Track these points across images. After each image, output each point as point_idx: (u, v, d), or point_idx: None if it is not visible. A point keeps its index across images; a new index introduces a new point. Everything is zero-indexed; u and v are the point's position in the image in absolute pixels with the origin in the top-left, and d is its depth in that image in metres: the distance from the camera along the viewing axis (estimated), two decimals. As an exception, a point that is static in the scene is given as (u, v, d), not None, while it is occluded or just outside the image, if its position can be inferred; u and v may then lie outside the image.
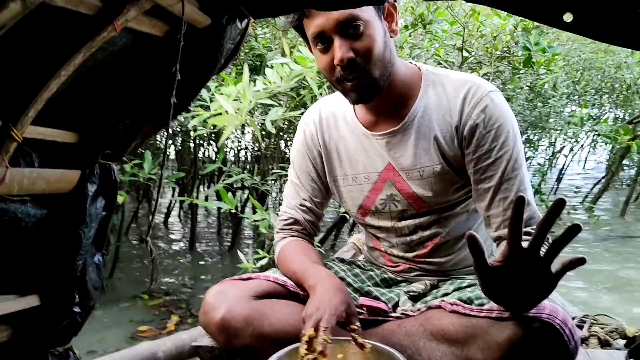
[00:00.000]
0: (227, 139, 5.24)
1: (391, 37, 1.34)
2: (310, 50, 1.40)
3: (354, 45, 1.25)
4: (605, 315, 1.86)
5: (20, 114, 0.79)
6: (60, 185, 0.95)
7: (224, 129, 2.42)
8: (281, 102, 2.75)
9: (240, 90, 2.28)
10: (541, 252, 0.95)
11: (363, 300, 1.38)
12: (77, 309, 0.95)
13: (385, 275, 1.52)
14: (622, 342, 1.74)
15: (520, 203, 0.90)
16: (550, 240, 0.94)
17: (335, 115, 1.50)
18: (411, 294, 1.41)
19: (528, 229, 1.22)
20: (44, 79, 0.80)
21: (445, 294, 1.35)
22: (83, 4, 0.75)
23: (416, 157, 1.37)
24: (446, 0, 2.99)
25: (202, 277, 4.57)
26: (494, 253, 1.50)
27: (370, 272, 1.54)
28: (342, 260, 1.61)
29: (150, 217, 5.69)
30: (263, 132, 3.35)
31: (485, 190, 1.31)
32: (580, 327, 1.78)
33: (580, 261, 0.88)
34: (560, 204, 0.88)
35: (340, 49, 1.24)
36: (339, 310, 1.20)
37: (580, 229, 0.87)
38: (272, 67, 2.47)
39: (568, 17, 0.98)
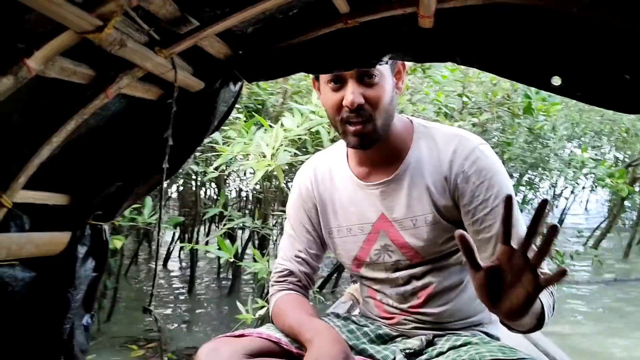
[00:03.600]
0: (227, 180, 5.26)
1: (397, 93, 1.39)
2: (314, 86, 1.45)
3: (365, 93, 1.29)
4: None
5: (11, 180, 0.80)
6: (49, 248, 0.95)
7: (255, 172, 2.49)
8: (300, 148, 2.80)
9: (272, 135, 2.36)
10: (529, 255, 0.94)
11: (358, 359, 1.36)
12: (63, 375, 0.92)
13: (381, 331, 1.50)
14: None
15: (508, 202, 0.91)
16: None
17: (330, 168, 1.52)
18: (407, 351, 1.39)
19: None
20: (36, 146, 0.81)
21: (440, 353, 1.33)
22: (76, 74, 0.77)
23: (409, 207, 1.38)
24: (439, 62, 3.05)
25: (200, 323, 4.51)
26: None
27: (366, 328, 1.52)
28: (337, 316, 1.59)
29: (151, 289, 5.68)
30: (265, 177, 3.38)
31: (486, 240, 1.31)
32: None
33: (562, 273, 0.88)
34: (543, 204, 0.89)
35: (352, 93, 1.28)
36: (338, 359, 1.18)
37: (558, 229, 0.89)
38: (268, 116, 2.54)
39: (556, 81, 0.99)
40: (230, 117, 2.88)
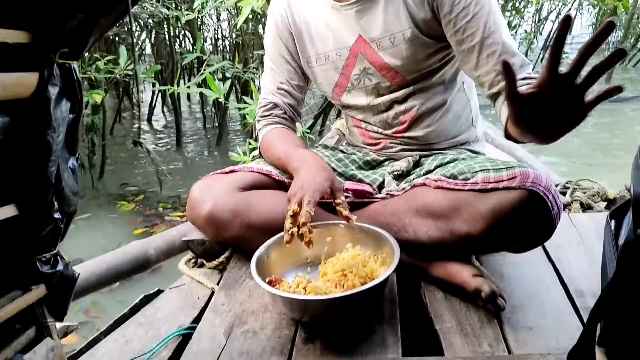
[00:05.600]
0: (201, 26, 5.02)
1: None
2: None
3: None
4: (588, 180, 1.89)
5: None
6: (18, 90, 0.90)
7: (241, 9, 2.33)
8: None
9: None
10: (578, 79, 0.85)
11: (348, 184, 1.39)
12: (57, 215, 0.93)
13: (368, 157, 1.52)
14: (603, 204, 1.78)
15: (567, 22, 0.79)
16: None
17: None
18: (395, 173, 1.42)
19: (524, 74, 1.22)
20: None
21: (428, 171, 1.35)
22: None
23: (386, 24, 1.34)
24: None
25: (192, 172, 4.59)
26: (476, 124, 1.50)
27: (354, 156, 1.54)
28: (325, 147, 1.61)
29: (137, 122, 5.61)
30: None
31: (469, 50, 1.27)
32: (563, 194, 1.82)
33: (617, 89, 0.79)
34: (610, 26, 0.76)
35: None
36: (323, 186, 1.21)
37: (626, 53, 0.78)
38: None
39: None
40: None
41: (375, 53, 1.37)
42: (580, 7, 8.84)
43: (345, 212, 1.21)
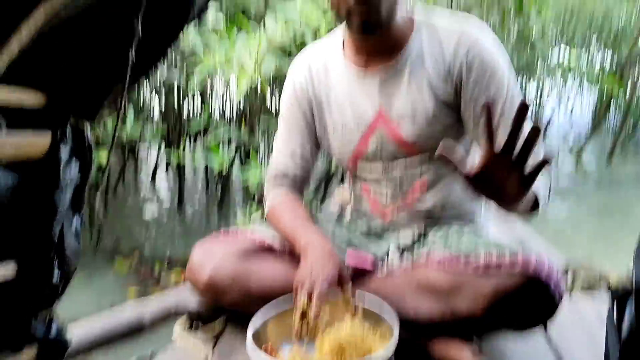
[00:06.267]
0: (211, 93, 5.14)
1: None
2: None
3: None
4: (590, 262, 1.88)
5: (-19, 76, 0.75)
6: (30, 150, 0.91)
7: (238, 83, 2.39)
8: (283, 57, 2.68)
9: (254, 41, 2.25)
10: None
11: (350, 254, 1.38)
12: (56, 275, 0.93)
13: (373, 226, 1.52)
14: (606, 288, 1.76)
15: (488, 110, 0.92)
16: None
17: (325, 62, 1.46)
18: (399, 244, 1.41)
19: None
20: (4, 38, 0.75)
21: (432, 245, 1.35)
22: (39, -45, 0.70)
23: (408, 100, 1.35)
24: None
25: (191, 233, 4.56)
26: None
27: (358, 224, 1.53)
28: (329, 213, 1.61)
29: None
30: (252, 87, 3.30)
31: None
32: (565, 275, 1.80)
33: (546, 161, 0.90)
34: (523, 108, 0.90)
35: None
36: (332, 276, 1.19)
37: (539, 131, 0.90)
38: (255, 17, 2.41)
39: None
40: (210, 20, 2.76)
41: (394, 128, 1.38)
42: (581, 90, 9.05)
43: (350, 303, 1.20)
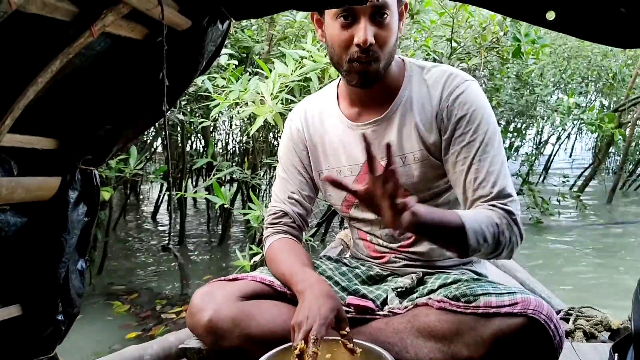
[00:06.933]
0: (213, 131, 5.20)
1: (398, 34, 1.37)
2: (312, 19, 1.44)
3: (376, 32, 1.29)
4: (591, 308, 1.87)
5: (-3, 122, 0.78)
6: (40, 193, 0.94)
7: (255, 120, 2.45)
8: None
9: (269, 81, 2.33)
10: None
11: (351, 299, 1.39)
12: (60, 317, 0.93)
13: (372, 272, 1.53)
14: (607, 334, 1.75)
15: (388, 147, 1.01)
16: None
17: (320, 111, 1.52)
18: (398, 290, 1.42)
19: (496, 202, 1.25)
20: (21, 87, 0.78)
21: (432, 291, 1.35)
22: (58, 10, 0.74)
23: (399, 144, 1.39)
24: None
25: (191, 273, 4.55)
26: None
27: (357, 270, 1.54)
28: (329, 259, 1.61)
29: (168, 227, 5.66)
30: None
31: (460, 173, 1.32)
32: (566, 320, 1.80)
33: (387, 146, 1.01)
34: (387, 146, 1.01)
35: (365, 31, 1.27)
36: (329, 318, 1.19)
37: (394, 174, 1.00)
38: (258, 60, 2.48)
39: (551, 15, 0.98)
40: (218, 63, 2.83)
41: None
42: (580, 132, 9.15)
43: (350, 345, 1.19)
